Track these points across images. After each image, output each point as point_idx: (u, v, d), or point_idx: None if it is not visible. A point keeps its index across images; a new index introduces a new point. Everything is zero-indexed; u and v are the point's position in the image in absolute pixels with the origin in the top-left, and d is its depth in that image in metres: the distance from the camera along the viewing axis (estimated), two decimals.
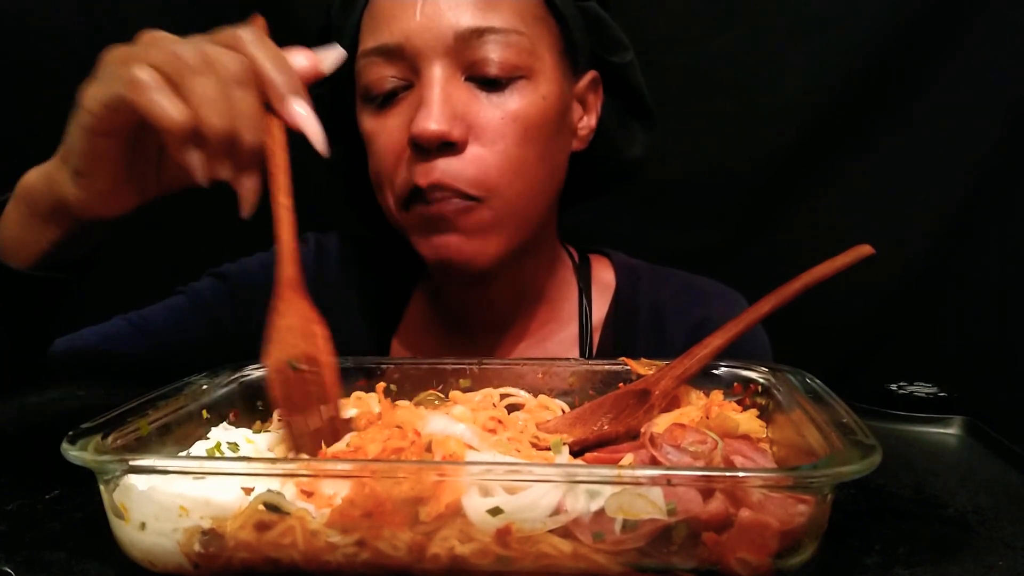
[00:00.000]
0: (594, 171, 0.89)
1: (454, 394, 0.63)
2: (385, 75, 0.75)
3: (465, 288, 0.87)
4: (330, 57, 0.60)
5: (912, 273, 1.21)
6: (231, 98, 0.53)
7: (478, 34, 0.73)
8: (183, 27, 0.58)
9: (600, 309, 0.91)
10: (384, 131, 0.76)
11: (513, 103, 0.74)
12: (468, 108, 0.73)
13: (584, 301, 0.91)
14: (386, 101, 0.76)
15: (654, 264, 0.97)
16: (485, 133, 0.73)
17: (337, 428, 0.56)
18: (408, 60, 0.74)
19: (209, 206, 1.22)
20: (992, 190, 1.18)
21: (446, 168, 0.72)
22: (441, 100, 0.72)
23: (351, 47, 0.79)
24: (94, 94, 0.56)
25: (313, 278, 0.94)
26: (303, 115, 0.56)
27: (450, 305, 0.90)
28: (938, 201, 1.19)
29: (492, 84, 0.74)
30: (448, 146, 0.72)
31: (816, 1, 1.17)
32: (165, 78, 0.53)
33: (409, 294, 0.95)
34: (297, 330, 0.56)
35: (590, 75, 0.84)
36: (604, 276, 0.94)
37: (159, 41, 0.55)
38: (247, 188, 0.56)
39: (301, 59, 0.59)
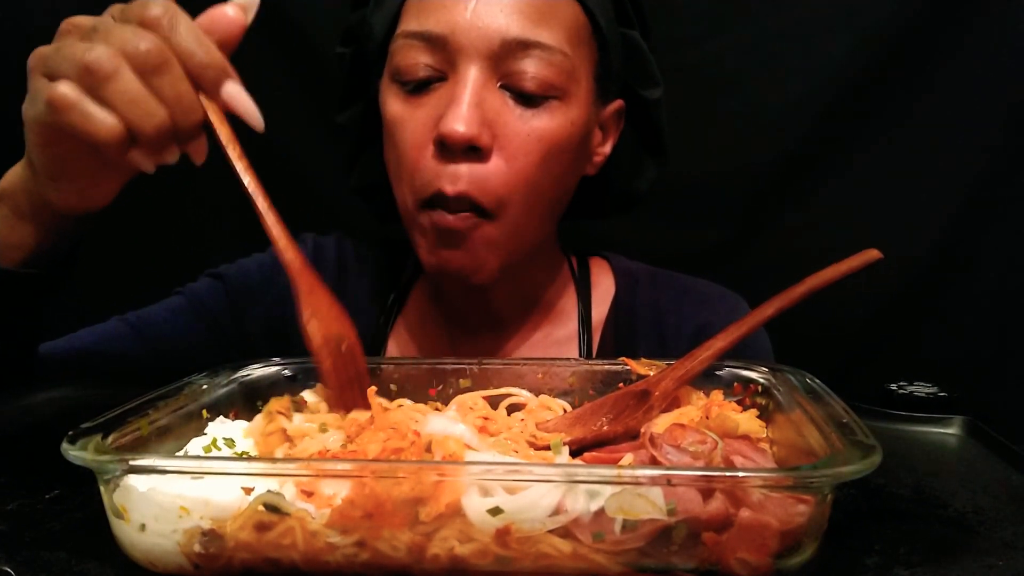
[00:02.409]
0: (596, 196, 0.90)
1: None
2: (420, 62, 0.74)
3: (462, 291, 0.87)
4: (252, 7, 0.57)
5: (912, 273, 1.21)
6: (155, 89, 0.52)
7: (524, 46, 0.72)
8: None
9: (599, 314, 0.91)
10: (411, 121, 0.75)
11: (542, 122, 0.74)
12: (497, 116, 0.73)
13: (583, 306, 0.91)
14: (417, 88, 0.75)
15: (654, 266, 0.97)
16: (509, 146, 0.73)
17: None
18: (448, 54, 0.73)
19: (207, 209, 1.23)
20: (992, 191, 1.18)
21: (471, 176, 0.72)
22: (473, 103, 0.71)
23: (391, 23, 0.77)
24: (28, 113, 0.55)
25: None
26: (234, 95, 0.55)
27: (449, 306, 0.90)
28: (939, 202, 1.19)
29: (526, 98, 0.73)
30: (474, 151, 0.72)
31: (817, 2, 1.17)
32: (84, 89, 0.51)
33: (407, 294, 0.95)
34: (333, 312, 0.59)
35: (617, 104, 0.84)
36: (603, 281, 0.94)
37: (72, 42, 0.53)
38: (194, 152, 0.56)
39: (229, 12, 0.56)
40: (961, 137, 1.17)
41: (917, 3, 1.14)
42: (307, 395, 0.61)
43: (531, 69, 0.72)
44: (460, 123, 0.70)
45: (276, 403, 0.59)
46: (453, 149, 0.71)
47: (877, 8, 1.15)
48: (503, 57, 0.72)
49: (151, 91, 0.52)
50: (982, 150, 1.17)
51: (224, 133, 0.56)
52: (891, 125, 1.19)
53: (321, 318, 0.58)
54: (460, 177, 0.72)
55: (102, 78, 0.51)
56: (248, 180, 0.57)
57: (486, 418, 0.56)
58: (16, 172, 0.63)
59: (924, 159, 1.18)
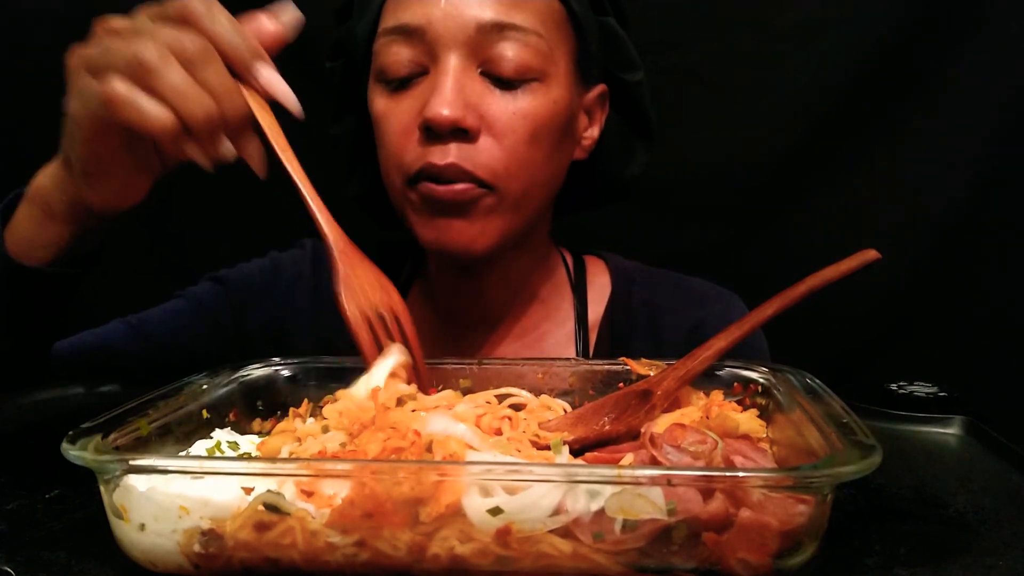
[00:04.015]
0: (590, 183, 0.91)
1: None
2: (402, 58, 0.75)
3: (458, 282, 0.87)
4: (291, 21, 0.60)
5: (912, 273, 1.21)
6: (201, 80, 0.54)
7: (499, 29, 0.73)
8: None
9: (595, 312, 0.92)
10: (396, 113, 0.76)
11: (524, 102, 0.75)
12: (480, 100, 0.74)
13: (579, 305, 0.91)
14: (400, 85, 0.76)
15: (651, 266, 0.97)
16: (496, 126, 0.74)
17: (420, 373, 0.62)
18: (427, 45, 0.74)
19: (208, 211, 1.23)
20: (993, 190, 1.18)
21: (460, 152, 0.73)
22: (455, 88, 0.72)
23: (372, 27, 0.79)
24: (78, 111, 0.57)
25: (310, 284, 0.95)
26: (272, 80, 0.58)
27: (445, 304, 0.91)
28: (939, 201, 1.19)
29: (506, 83, 0.75)
30: (461, 133, 0.73)
31: (816, 2, 1.17)
32: (135, 83, 0.53)
33: (405, 296, 0.95)
34: (373, 283, 0.61)
35: (599, 88, 0.86)
36: (599, 279, 0.94)
37: (117, 41, 0.55)
38: (250, 153, 0.58)
39: (267, 23, 0.59)
40: (962, 136, 1.17)
41: (915, 3, 1.15)
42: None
43: (508, 53, 0.74)
44: (444, 107, 0.71)
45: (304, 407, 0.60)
46: (440, 132, 0.73)
47: (876, 9, 1.15)
48: (480, 43, 0.74)
49: (198, 83, 0.54)
50: (981, 150, 1.17)
51: (266, 120, 0.58)
52: (891, 124, 1.19)
53: (356, 292, 0.60)
54: (449, 152, 0.73)
55: (152, 71, 0.53)
56: (291, 164, 0.59)
57: (509, 417, 0.56)
58: (49, 173, 0.64)
59: (923, 159, 1.18)
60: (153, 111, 0.53)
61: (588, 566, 0.41)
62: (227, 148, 0.57)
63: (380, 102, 0.78)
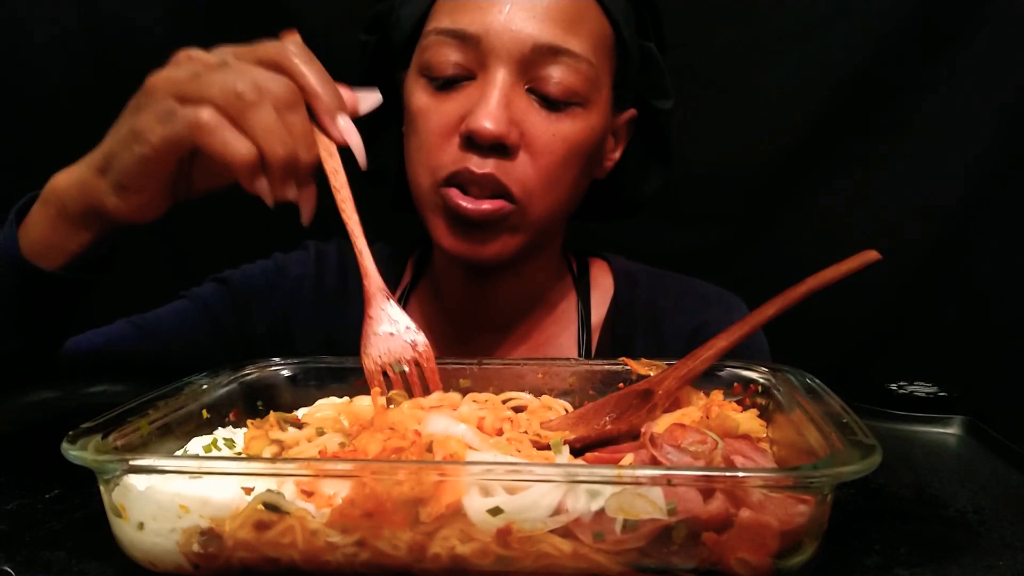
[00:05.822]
0: (604, 200, 0.91)
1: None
2: (450, 60, 0.75)
3: (467, 285, 0.88)
4: (368, 100, 0.65)
5: (912, 273, 1.21)
6: (286, 123, 0.57)
7: (554, 52, 0.74)
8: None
9: (599, 314, 0.92)
10: (437, 113, 0.76)
11: (565, 126, 0.76)
12: (524, 117, 0.74)
13: (583, 307, 0.91)
14: (445, 85, 0.76)
15: (653, 267, 0.97)
16: (534, 144, 0.75)
17: None
18: (479, 54, 0.74)
19: (212, 213, 1.23)
20: (992, 190, 1.18)
21: (498, 165, 0.74)
22: (502, 103, 0.73)
23: (420, 17, 0.79)
24: (154, 129, 0.58)
25: (313, 286, 0.95)
26: (349, 130, 0.61)
27: (451, 305, 0.91)
28: (938, 201, 1.20)
29: (550, 103, 0.75)
30: (500, 148, 0.73)
31: (817, 2, 1.17)
32: (226, 114, 0.56)
33: (409, 296, 0.95)
34: (397, 336, 0.63)
35: (630, 112, 0.86)
36: (603, 281, 0.95)
37: (208, 71, 0.57)
38: (306, 199, 0.61)
39: (347, 91, 0.63)
40: (962, 136, 1.17)
41: (915, 4, 1.15)
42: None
43: (557, 75, 0.74)
44: (489, 120, 0.72)
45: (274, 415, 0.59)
46: (480, 145, 0.73)
47: (876, 8, 1.15)
48: (532, 61, 0.74)
49: (284, 126, 0.57)
50: (981, 150, 1.17)
51: (331, 165, 0.62)
52: (890, 125, 1.19)
53: (377, 347, 0.63)
54: (488, 163, 0.74)
55: (247, 106, 0.56)
56: (348, 212, 0.63)
57: (510, 419, 0.56)
58: (72, 176, 0.64)
59: (923, 159, 1.18)
60: (238, 145, 0.56)
61: (588, 566, 0.41)
62: (292, 190, 0.59)
63: (421, 97, 0.78)
